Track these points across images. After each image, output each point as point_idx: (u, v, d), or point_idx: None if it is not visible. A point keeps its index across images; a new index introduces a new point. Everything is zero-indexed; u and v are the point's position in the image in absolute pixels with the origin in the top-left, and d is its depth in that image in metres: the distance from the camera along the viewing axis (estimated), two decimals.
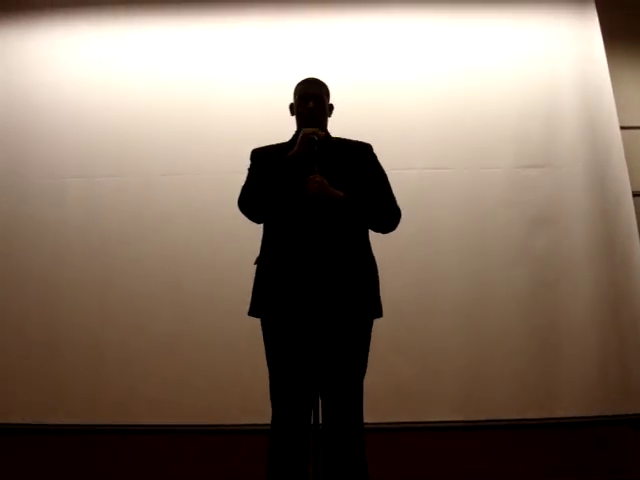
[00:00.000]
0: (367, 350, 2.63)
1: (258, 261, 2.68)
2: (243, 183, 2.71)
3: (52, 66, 4.02)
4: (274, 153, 2.68)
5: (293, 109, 2.79)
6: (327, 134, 2.74)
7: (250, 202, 2.67)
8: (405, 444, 3.58)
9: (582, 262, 3.73)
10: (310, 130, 2.60)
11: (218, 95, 3.92)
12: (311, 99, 2.70)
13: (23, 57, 4.05)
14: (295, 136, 2.74)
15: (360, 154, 2.75)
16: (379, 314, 2.67)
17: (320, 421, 2.52)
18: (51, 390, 3.63)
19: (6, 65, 4.06)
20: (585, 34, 4.02)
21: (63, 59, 4.02)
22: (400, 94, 3.91)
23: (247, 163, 2.78)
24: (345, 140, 2.78)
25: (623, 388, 3.61)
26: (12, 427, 3.63)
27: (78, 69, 4.00)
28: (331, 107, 2.82)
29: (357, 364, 2.60)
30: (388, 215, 2.72)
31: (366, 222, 2.69)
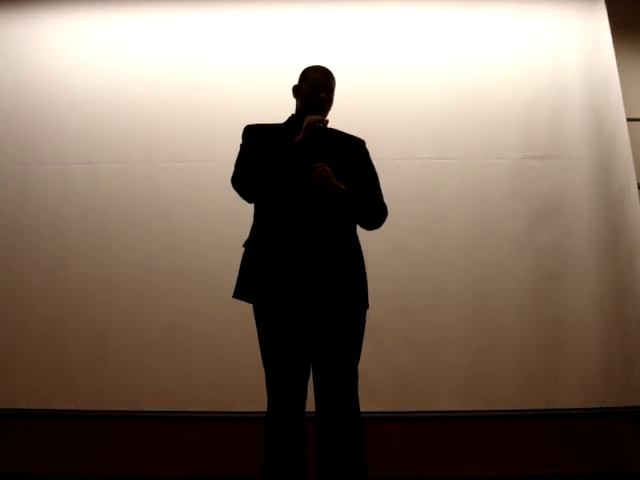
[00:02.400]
0: (361, 336, 2.63)
1: (247, 244, 2.67)
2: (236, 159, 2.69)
3: (56, 52, 3.99)
4: (269, 134, 2.66)
5: (298, 92, 2.75)
6: None
7: (246, 181, 2.63)
8: (409, 433, 3.60)
9: (586, 254, 3.72)
10: (316, 118, 2.58)
11: (223, 82, 3.89)
12: (324, 90, 2.67)
13: (26, 43, 4.03)
14: (291, 120, 2.73)
15: (354, 149, 2.75)
16: (367, 305, 2.66)
17: (314, 409, 2.55)
18: (55, 376, 3.64)
19: (9, 51, 4.03)
20: (593, 25, 3.98)
21: (67, 45, 4.00)
22: (405, 83, 3.88)
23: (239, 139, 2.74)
24: (340, 132, 2.76)
25: (625, 381, 3.60)
26: (16, 412, 3.64)
27: (82, 55, 3.98)
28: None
29: (350, 350, 2.59)
30: (377, 212, 2.73)
31: (357, 216, 2.69)
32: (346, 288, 2.57)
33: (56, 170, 3.86)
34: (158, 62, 3.95)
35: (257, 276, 2.59)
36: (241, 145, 2.73)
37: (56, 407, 3.62)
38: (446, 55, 3.95)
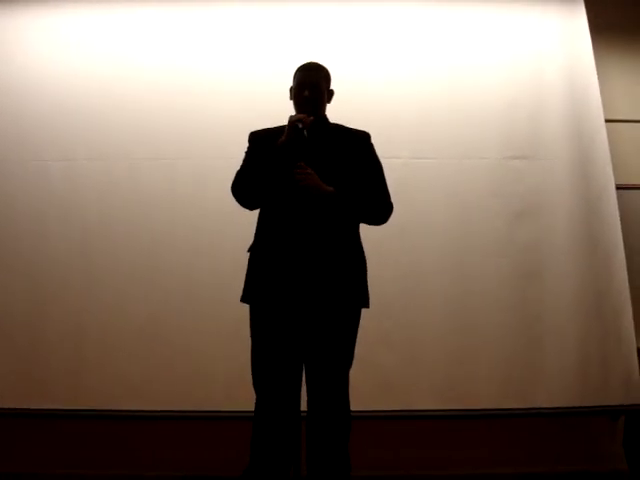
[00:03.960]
0: (354, 339, 2.64)
1: (251, 249, 2.67)
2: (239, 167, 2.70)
3: (35, 49, 3.94)
4: (271, 137, 2.63)
5: (291, 93, 2.76)
6: (324, 119, 2.73)
7: (241, 188, 2.65)
8: (388, 432, 3.60)
9: (565, 254, 3.73)
10: (295, 117, 2.58)
11: (204, 80, 3.85)
12: (307, 87, 2.67)
13: (3, 41, 3.97)
14: None
15: (356, 143, 2.72)
16: (365, 304, 2.66)
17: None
18: (31, 374, 3.59)
19: None
20: (572, 27, 4.00)
21: (45, 41, 3.95)
22: (387, 83, 3.88)
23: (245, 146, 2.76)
24: (343, 127, 2.75)
25: (603, 380, 3.62)
26: None
27: (61, 52, 3.93)
28: (331, 93, 2.79)
29: (343, 353, 2.60)
30: (378, 209, 2.71)
31: (355, 215, 2.68)
32: (337, 287, 2.56)
33: (34, 167, 3.81)
34: (138, 59, 3.91)
35: (259, 279, 2.59)
36: (245, 152, 2.75)
37: (32, 406, 3.55)
38: (426, 56, 3.95)
